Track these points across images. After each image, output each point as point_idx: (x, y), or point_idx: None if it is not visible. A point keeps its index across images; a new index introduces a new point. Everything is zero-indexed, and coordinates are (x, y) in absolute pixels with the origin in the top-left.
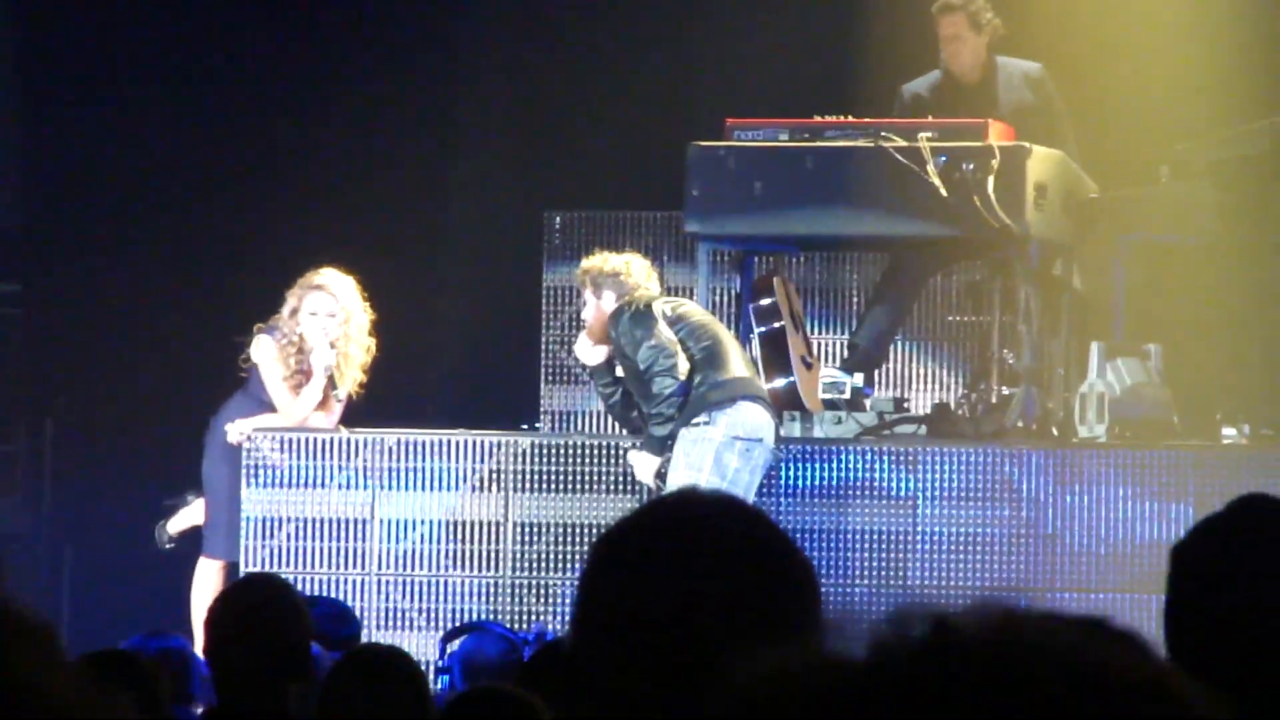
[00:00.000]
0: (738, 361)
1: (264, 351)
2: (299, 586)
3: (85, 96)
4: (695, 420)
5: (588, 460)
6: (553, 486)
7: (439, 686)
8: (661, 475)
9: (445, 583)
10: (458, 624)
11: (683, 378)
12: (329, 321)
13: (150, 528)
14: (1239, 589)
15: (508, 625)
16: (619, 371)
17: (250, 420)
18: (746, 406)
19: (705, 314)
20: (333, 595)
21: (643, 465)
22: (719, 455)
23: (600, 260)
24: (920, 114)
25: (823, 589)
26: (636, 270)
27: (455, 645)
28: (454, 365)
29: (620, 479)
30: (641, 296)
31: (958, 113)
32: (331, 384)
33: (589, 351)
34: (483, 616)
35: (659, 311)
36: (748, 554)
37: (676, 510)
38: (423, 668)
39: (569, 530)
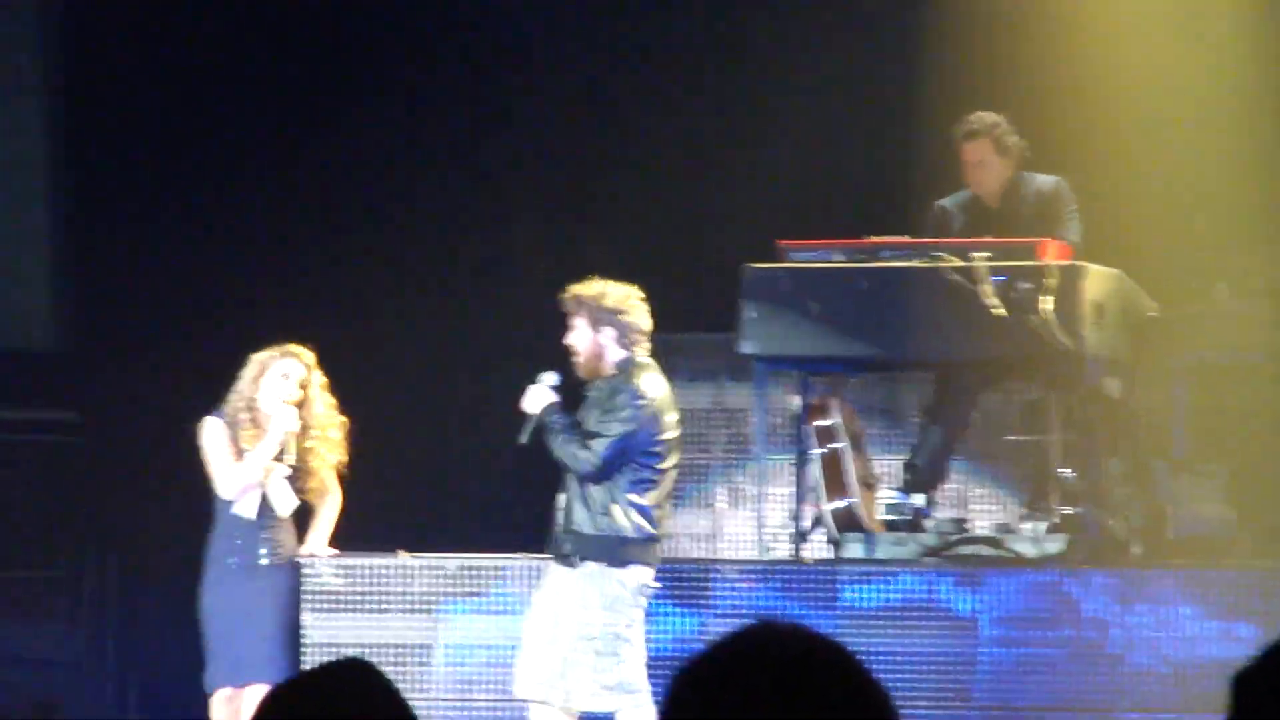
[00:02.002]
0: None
1: (208, 430)
2: None
3: (137, 213)
4: (613, 565)
5: (660, 582)
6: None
7: None
8: (546, 419)
9: (509, 708)
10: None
11: (619, 487)
12: (297, 389)
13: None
14: None
15: None
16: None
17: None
18: (651, 572)
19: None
20: None
21: (539, 399)
22: (626, 605)
23: (602, 289)
24: (946, 229)
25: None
26: (640, 313)
27: None
28: (513, 483)
29: (691, 602)
30: (661, 391)
31: (980, 233)
32: (281, 452)
33: (538, 393)
34: None
35: (668, 419)
36: (834, 687)
37: (761, 644)
38: None
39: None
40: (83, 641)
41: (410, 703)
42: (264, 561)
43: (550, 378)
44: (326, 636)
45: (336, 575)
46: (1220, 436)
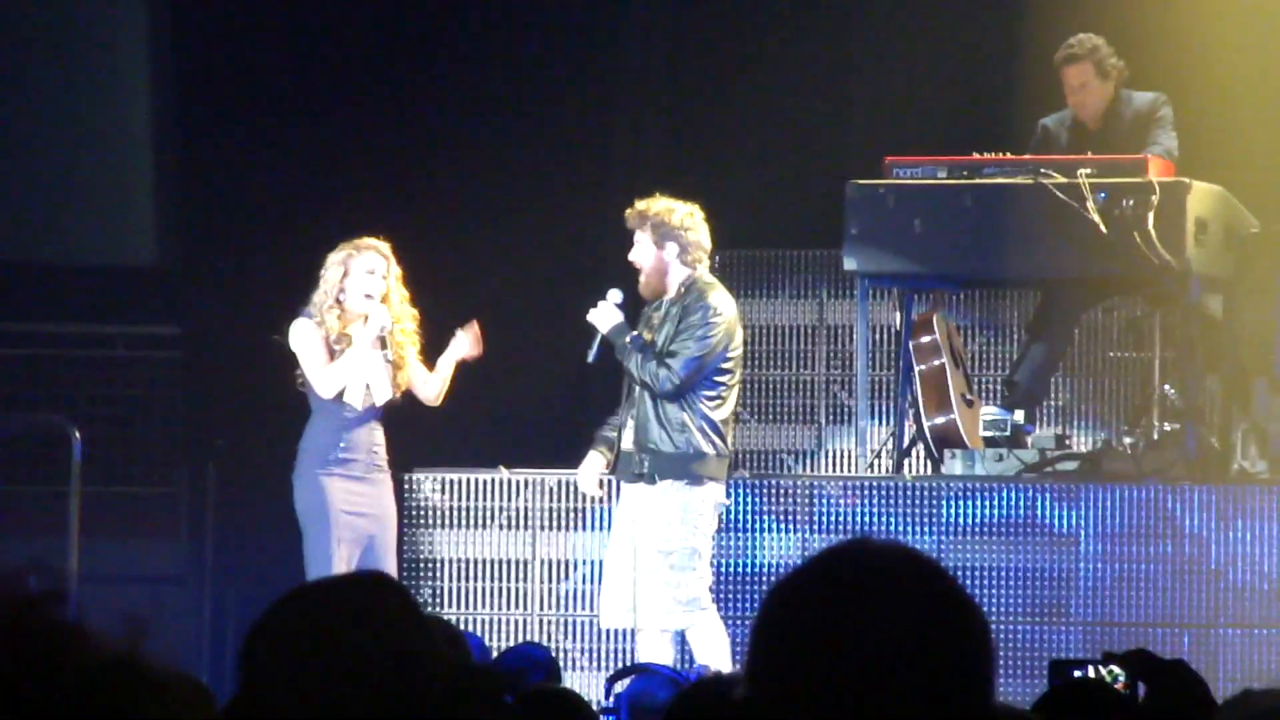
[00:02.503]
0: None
1: (299, 331)
2: (461, 627)
3: (241, 130)
4: (692, 484)
5: (763, 499)
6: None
7: None
8: (617, 338)
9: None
10: (622, 665)
11: (694, 403)
12: (384, 282)
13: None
14: None
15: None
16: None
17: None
18: (724, 488)
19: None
20: (494, 636)
21: (607, 317)
22: (704, 520)
23: (666, 205)
24: (1049, 148)
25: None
26: (703, 231)
27: (621, 686)
28: (608, 402)
29: (793, 518)
30: (732, 308)
31: (1082, 152)
32: (382, 344)
33: (608, 313)
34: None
35: (738, 337)
36: (929, 606)
37: (854, 561)
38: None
39: (734, 571)
40: (184, 556)
41: (509, 617)
42: (369, 459)
43: (616, 295)
44: (427, 551)
45: (436, 490)
46: None
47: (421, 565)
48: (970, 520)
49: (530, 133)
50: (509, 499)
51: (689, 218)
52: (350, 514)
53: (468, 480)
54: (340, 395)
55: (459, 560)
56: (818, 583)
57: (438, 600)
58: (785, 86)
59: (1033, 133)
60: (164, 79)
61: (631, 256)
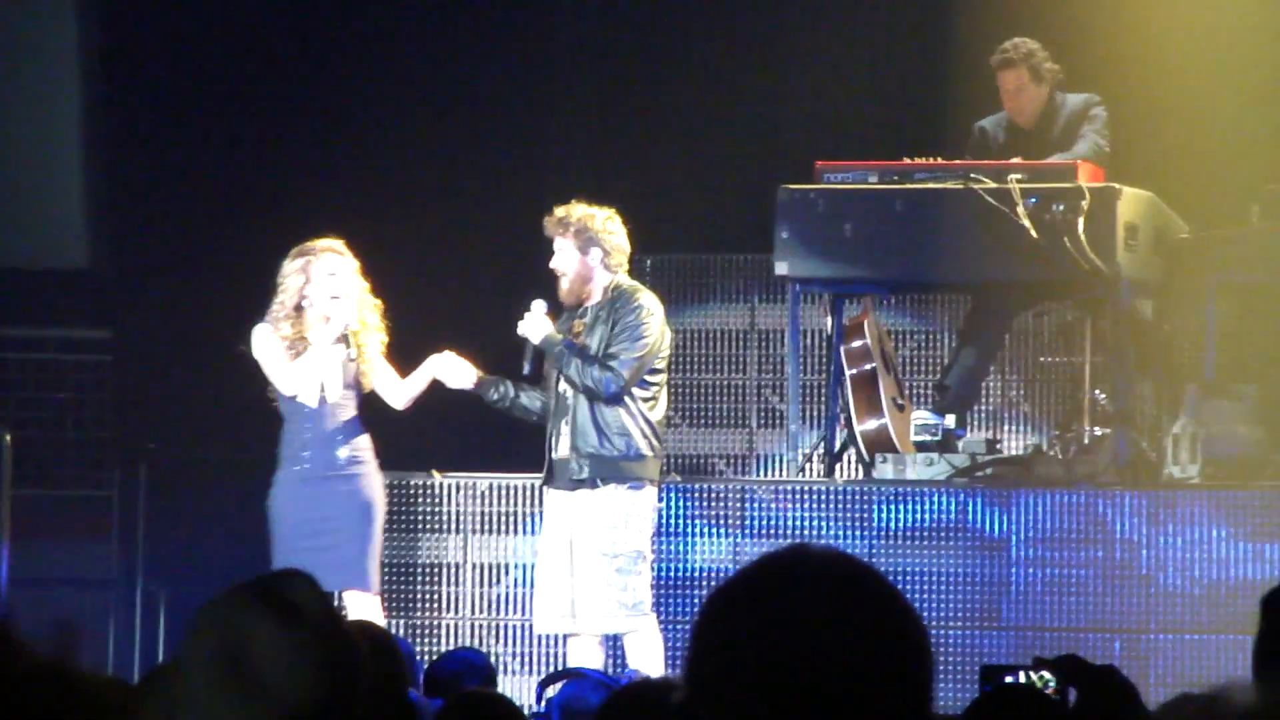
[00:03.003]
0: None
1: (259, 337)
2: (394, 631)
3: (172, 134)
4: (634, 487)
5: (694, 503)
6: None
7: None
8: (551, 345)
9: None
10: (554, 670)
11: (632, 406)
12: (346, 283)
13: (238, 575)
14: None
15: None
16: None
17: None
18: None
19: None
20: (427, 641)
21: (538, 327)
22: (647, 525)
23: (587, 211)
24: (985, 150)
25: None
26: (623, 235)
27: (553, 691)
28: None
29: (724, 523)
30: (661, 308)
31: (1017, 154)
32: (345, 342)
33: (538, 322)
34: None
35: (668, 337)
36: (867, 613)
37: (792, 566)
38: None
39: (666, 576)
40: (115, 558)
41: (441, 621)
42: (333, 458)
43: (541, 305)
44: None
45: None
46: (1251, 358)
47: None
48: (902, 525)
49: (460, 139)
50: (441, 503)
51: (609, 222)
52: (312, 519)
53: (399, 483)
54: (293, 406)
55: (391, 565)
56: (756, 588)
57: None
58: (716, 91)
59: (969, 135)
60: (95, 82)
61: (553, 264)
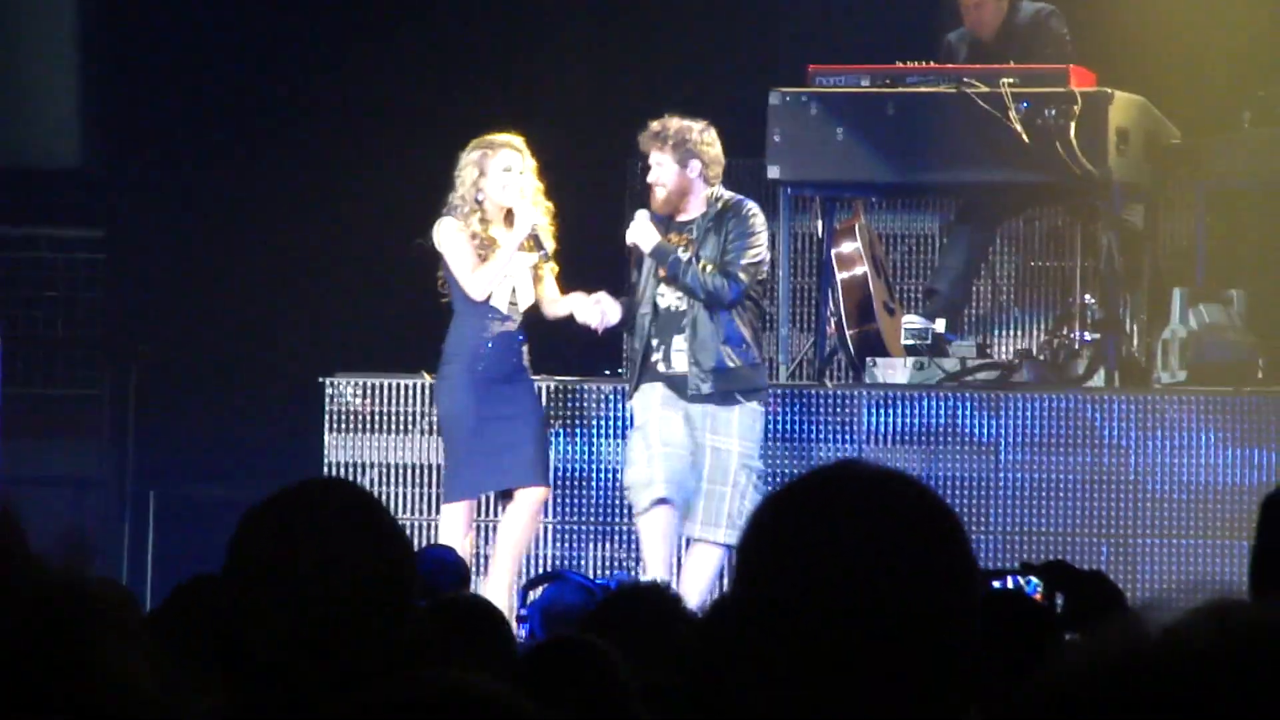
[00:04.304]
0: None
1: (446, 232)
2: None
3: (168, 32)
4: (754, 397)
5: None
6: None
7: (520, 635)
8: (667, 252)
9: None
10: (538, 572)
11: (744, 314)
12: (523, 179)
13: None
14: None
15: (590, 573)
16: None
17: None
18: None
19: None
20: (418, 541)
21: (644, 233)
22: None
23: (685, 124)
24: (952, 63)
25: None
26: (719, 148)
27: (535, 594)
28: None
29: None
30: (762, 214)
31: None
32: (537, 244)
33: (646, 230)
34: (566, 564)
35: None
36: (919, 531)
37: (846, 479)
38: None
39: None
40: (106, 458)
41: (431, 522)
42: (516, 361)
43: (645, 213)
44: (347, 456)
45: (357, 395)
46: (1240, 263)
47: (343, 469)
48: (891, 429)
49: (449, 52)
50: (430, 404)
51: (706, 133)
52: (492, 419)
53: (389, 384)
54: (480, 304)
55: (381, 465)
56: (810, 498)
57: None
58: None
59: (939, 47)
60: None
61: (651, 178)
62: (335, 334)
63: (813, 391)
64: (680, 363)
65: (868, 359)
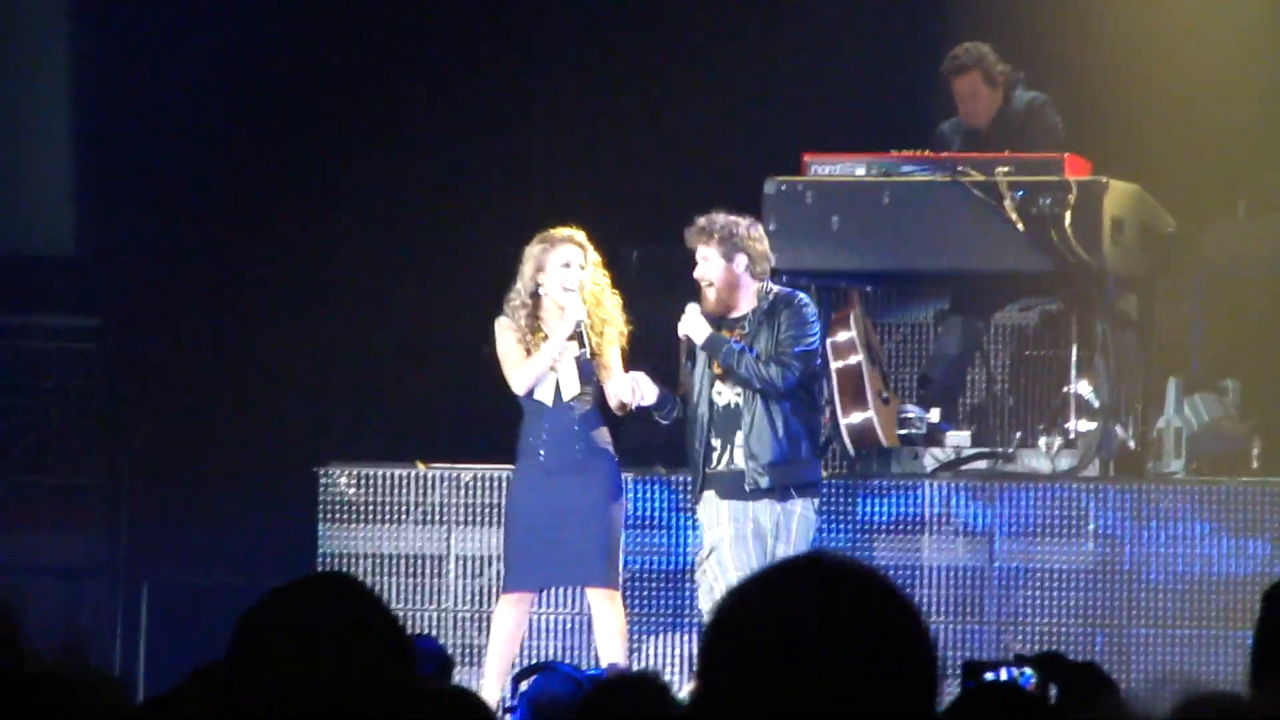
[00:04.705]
0: None
1: (498, 330)
2: None
3: (162, 121)
4: (810, 492)
5: (678, 496)
6: (627, 524)
7: None
8: (718, 344)
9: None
10: (529, 663)
11: (800, 407)
12: (580, 274)
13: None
14: None
15: (581, 664)
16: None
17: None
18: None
19: None
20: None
21: (696, 325)
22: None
23: (731, 219)
24: (945, 151)
25: None
26: (765, 242)
27: (525, 685)
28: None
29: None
30: (814, 306)
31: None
32: (581, 340)
33: (698, 322)
34: (557, 654)
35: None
36: (879, 619)
37: (809, 571)
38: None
39: (650, 569)
40: (99, 548)
41: (424, 613)
42: (571, 453)
43: (696, 307)
44: (341, 546)
45: (352, 485)
46: (1236, 353)
47: (337, 560)
48: (886, 518)
49: (442, 129)
50: (425, 494)
51: (753, 228)
52: (551, 511)
53: (384, 475)
54: (528, 399)
55: (374, 555)
56: (772, 591)
57: None
58: (705, 82)
59: (932, 136)
60: (84, 67)
61: (698, 273)
62: (330, 423)
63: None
64: (737, 458)
65: (863, 448)
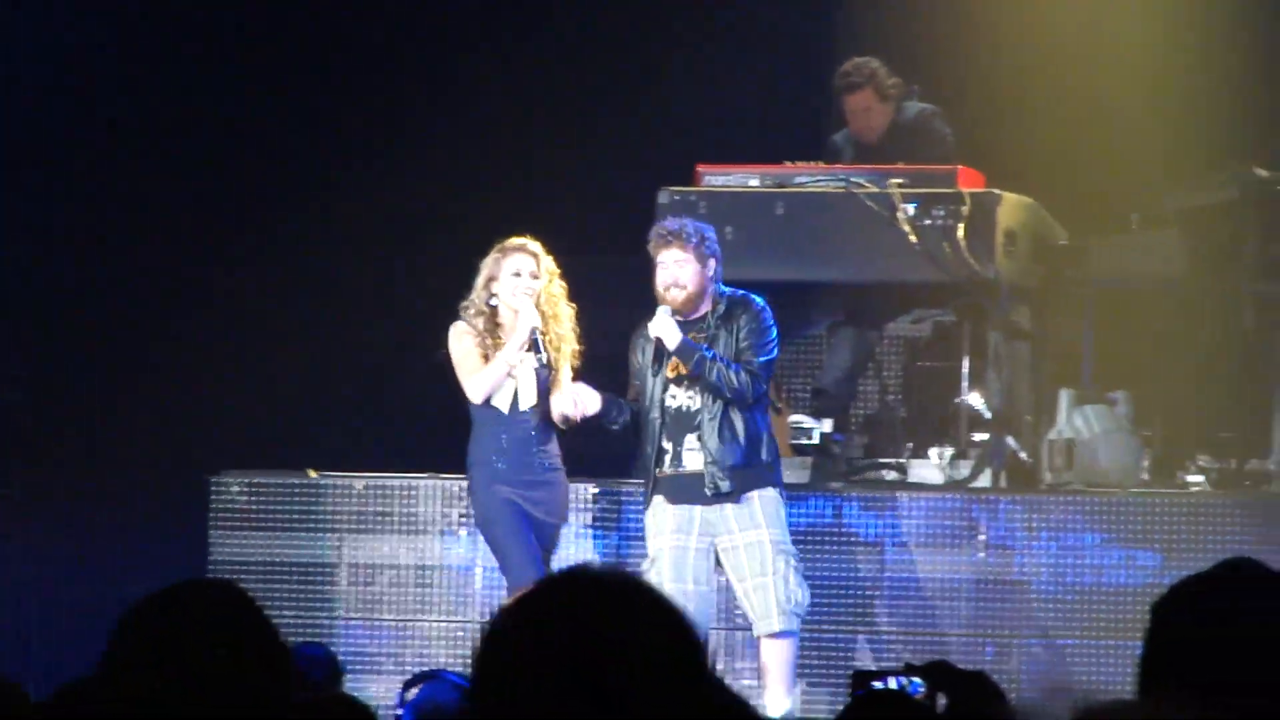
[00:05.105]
0: None
1: (453, 336)
2: None
3: (56, 138)
4: (775, 487)
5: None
6: None
7: None
8: (692, 349)
9: (413, 628)
10: (419, 671)
11: (758, 411)
12: (533, 282)
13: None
14: (1216, 656)
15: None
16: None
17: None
18: None
19: None
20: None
21: (669, 329)
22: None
23: (701, 225)
24: (837, 163)
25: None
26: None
27: (413, 694)
28: (421, 407)
29: (602, 525)
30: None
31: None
32: (535, 348)
33: (670, 326)
34: (448, 663)
35: None
36: (642, 621)
37: (572, 587)
38: (386, 714)
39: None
40: None
41: (316, 621)
42: (533, 463)
43: (668, 309)
44: (232, 554)
45: (243, 493)
46: (1127, 365)
47: (228, 569)
48: None
49: (351, 155)
50: (317, 502)
51: (716, 233)
52: (526, 515)
53: (276, 483)
54: (489, 400)
55: (266, 563)
56: (541, 601)
57: None
58: (599, 94)
59: (825, 148)
60: None
61: (668, 278)
62: (220, 431)
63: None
64: (693, 461)
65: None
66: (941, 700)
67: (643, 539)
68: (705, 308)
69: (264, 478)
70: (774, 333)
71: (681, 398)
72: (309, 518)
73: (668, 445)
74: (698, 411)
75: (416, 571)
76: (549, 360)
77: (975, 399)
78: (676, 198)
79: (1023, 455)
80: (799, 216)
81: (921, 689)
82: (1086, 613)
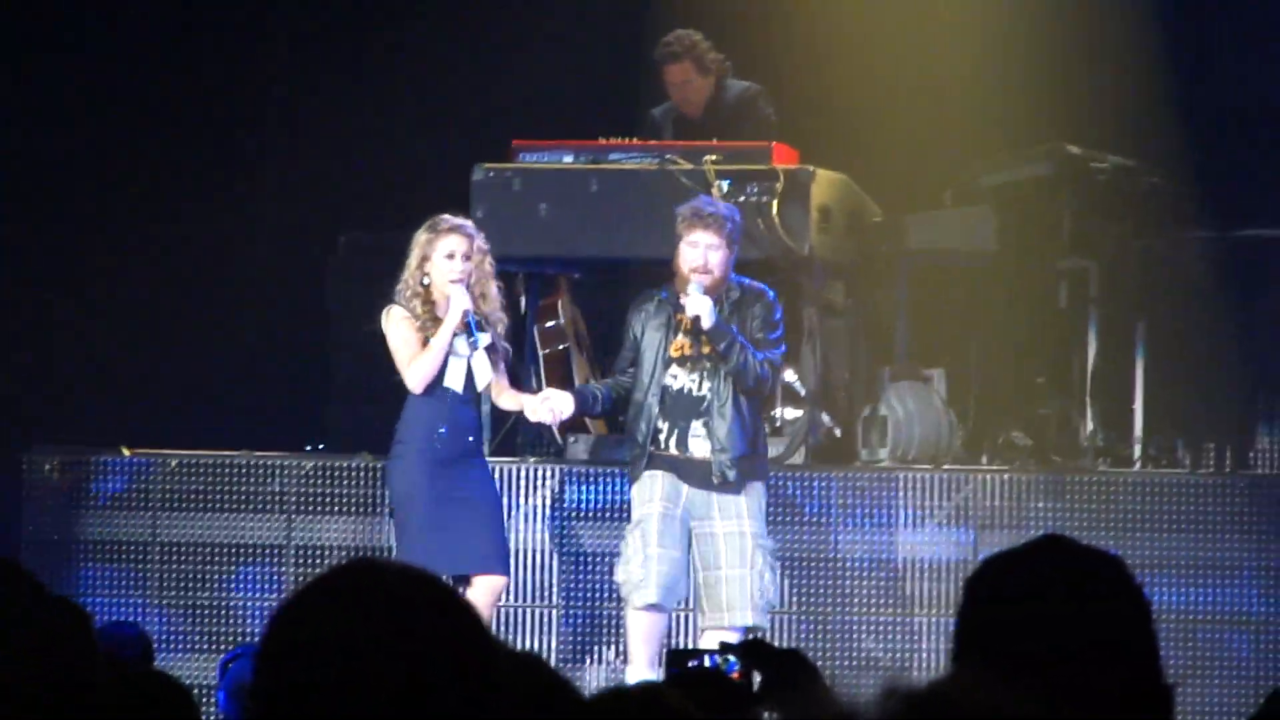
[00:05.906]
0: None
1: (390, 320)
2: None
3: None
4: (764, 481)
5: (371, 483)
6: (335, 509)
7: (218, 708)
8: (725, 330)
9: (227, 606)
10: (237, 647)
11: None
12: (465, 264)
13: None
14: (1027, 630)
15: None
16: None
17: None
18: None
19: None
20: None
21: (706, 308)
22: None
23: (735, 211)
24: (658, 139)
25: (581, 612)
26: None
27: (230, 669)
28: (240, 385)
29: (525, 504)
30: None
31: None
32: (469, 330)
33: (705, 302)
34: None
35: None
36: (429, 620)
37: (355, 579)
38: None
39: (349, 554)
40: None
41: (129, 600)
42: (466, 444)
43: (701, 288)
44: (48, 533)
45: (54, 470)
46: (943, 341)
47: (41, 547)
48: (593, 505)
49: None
50: (133, 480)
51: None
52: (445, 500)
53: (88, 461)
54: (433, 386)
55: (82, 541)
56: (327, 590)
57: (58, 585)
58: (414, 70)
59: (643, 122)
60: None
61: (698, 259)
62: (35, 407)
63: (512, 467)
64: (699, 448)
65: (569, 435)
66: (757, 678)
67: (590, 518)
68: (718, 292)
69: (77, 456)
70: (781, 323)
71: (683, 379)
72: (123, 495)
73: (663, 425)
74: (704, 398)
75: (230, 550)
76: (494, 339)
77: (790, 375)
78: (491, 174)
79: (837, 432)
80: (613, 193)
81: (737, 667)
82: (900, 589)
